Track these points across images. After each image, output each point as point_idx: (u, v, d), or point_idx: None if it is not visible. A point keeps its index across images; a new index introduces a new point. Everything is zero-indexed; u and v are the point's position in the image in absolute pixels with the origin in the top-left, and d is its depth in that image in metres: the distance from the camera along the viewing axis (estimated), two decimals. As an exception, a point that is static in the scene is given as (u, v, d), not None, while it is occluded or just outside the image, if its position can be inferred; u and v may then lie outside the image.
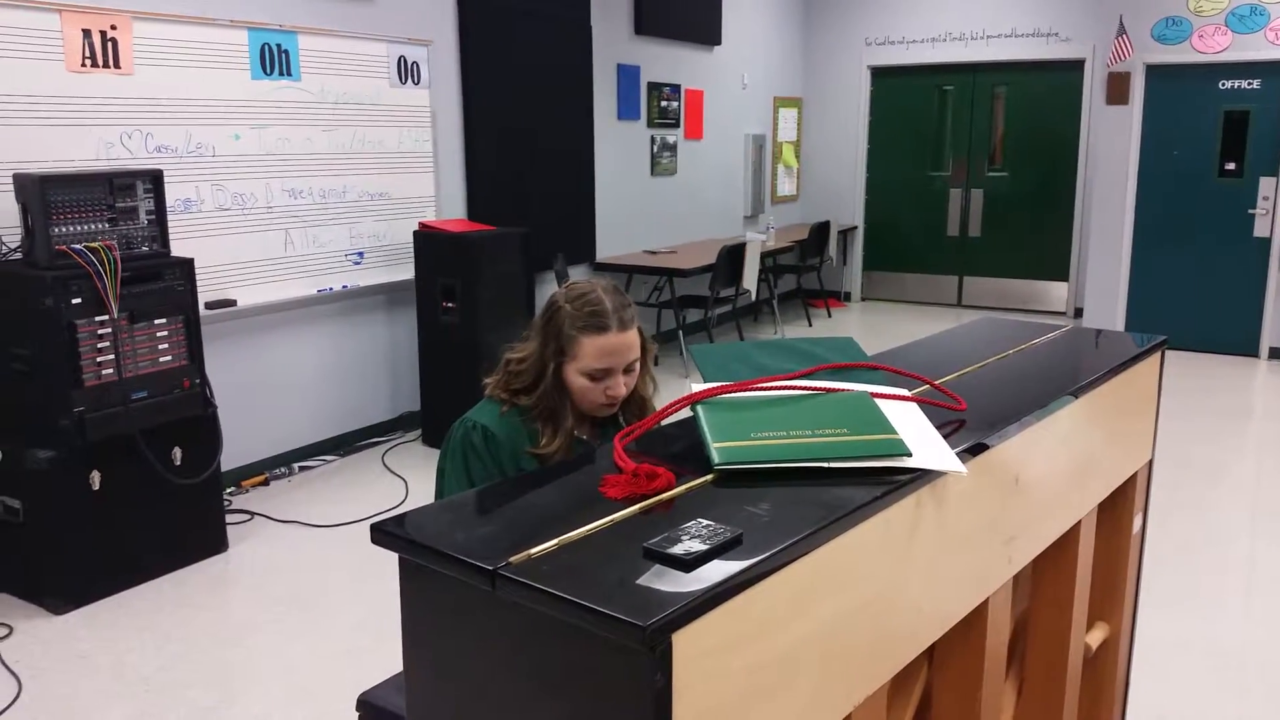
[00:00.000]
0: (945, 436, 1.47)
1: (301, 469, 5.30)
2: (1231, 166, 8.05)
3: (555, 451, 1.96)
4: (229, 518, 4.47)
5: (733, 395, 1.52)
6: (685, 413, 1.54)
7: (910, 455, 1.35)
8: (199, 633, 3.64)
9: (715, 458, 1.34)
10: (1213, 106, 8.04)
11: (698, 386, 1.55)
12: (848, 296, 10.73)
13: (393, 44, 5.56)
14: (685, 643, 0.97)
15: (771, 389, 1.53)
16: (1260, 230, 7.98)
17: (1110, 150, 8.37)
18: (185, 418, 4.10)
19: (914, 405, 1.55)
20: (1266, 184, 7.91)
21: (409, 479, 5.13)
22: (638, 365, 2.01)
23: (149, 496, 4.01)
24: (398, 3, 5.62)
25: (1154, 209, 8.33)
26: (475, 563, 1.06)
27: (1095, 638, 2.25)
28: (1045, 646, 2.00)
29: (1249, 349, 8.07)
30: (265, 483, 5.07)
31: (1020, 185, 9.93)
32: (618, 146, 7.75)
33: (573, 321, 1.95)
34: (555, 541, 1.10)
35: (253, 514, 4.68)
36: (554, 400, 1.98)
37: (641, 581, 1.03)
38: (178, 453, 4.10)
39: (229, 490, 4.82)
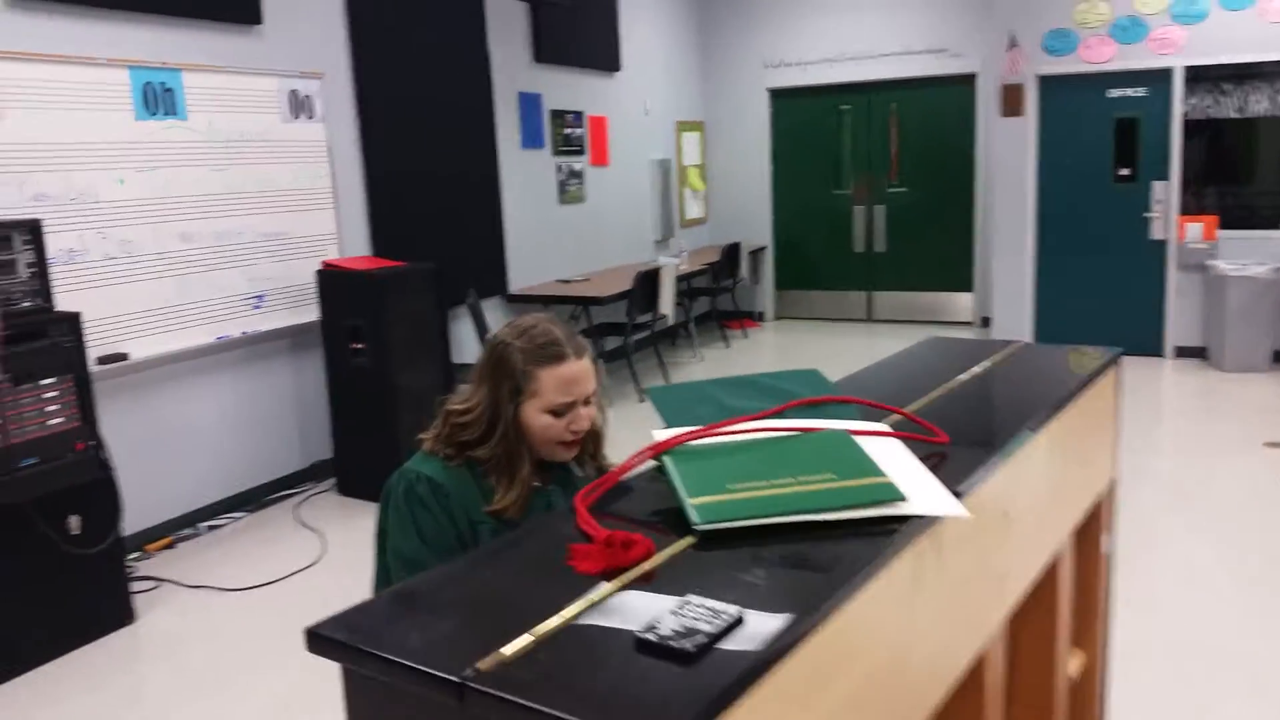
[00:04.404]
0: (934, 473, 1.35)
1: (210, 528, 4.99)
2: (1126, 172, 8.24)
3: (512, 504, 1.80)
4: (134, 586, 4.15)
5: (701, 442, 1.37)
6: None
7: (905, 500, 1.22)
8: (108, 715, 3.35)
9: (695, 517, 1.19)
10: (1104, 115, 8.22)
11: (660, 434, 1.40)
12: (761, 316, 10.72)
13: (283, 78, 5.32)
14: (696, 753, 0.82)
15: (742, 432, 1.39)
16: (1156, 233, 8.17)
17: (1008, 161, 8.50)
18: (80, 483, 3.80)
19: (896, 441, 1.43)
20: (1159, 188, 8.11)
21: (325, 532, 4.87)
22: (594, 396, 1.87)
23: (44, 571, 3.70)
24: (287, 36, 5.39)
25: (1054, 216, 8.48)
26: (437, 673, 0.89)
27: (1074, 666, 2.15)
28: (1031, 682, 1.89)
29: (1154, 349, 8.24)
30: (171, 545, 4.75)
31: (920, 200, 10.04)
32: (524, 176, 7.59)
33: (526, 357, 1.80)
34: (529, 637, 0.94)
35: (160, 580, 4.37)
36: (512, 447, 1.82)
37: (638, 684, 0.87)
38: (74, 521, 3.80)
39: (133, 556, 4.50)
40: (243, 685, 3.53)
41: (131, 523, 4.33)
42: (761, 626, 0.96)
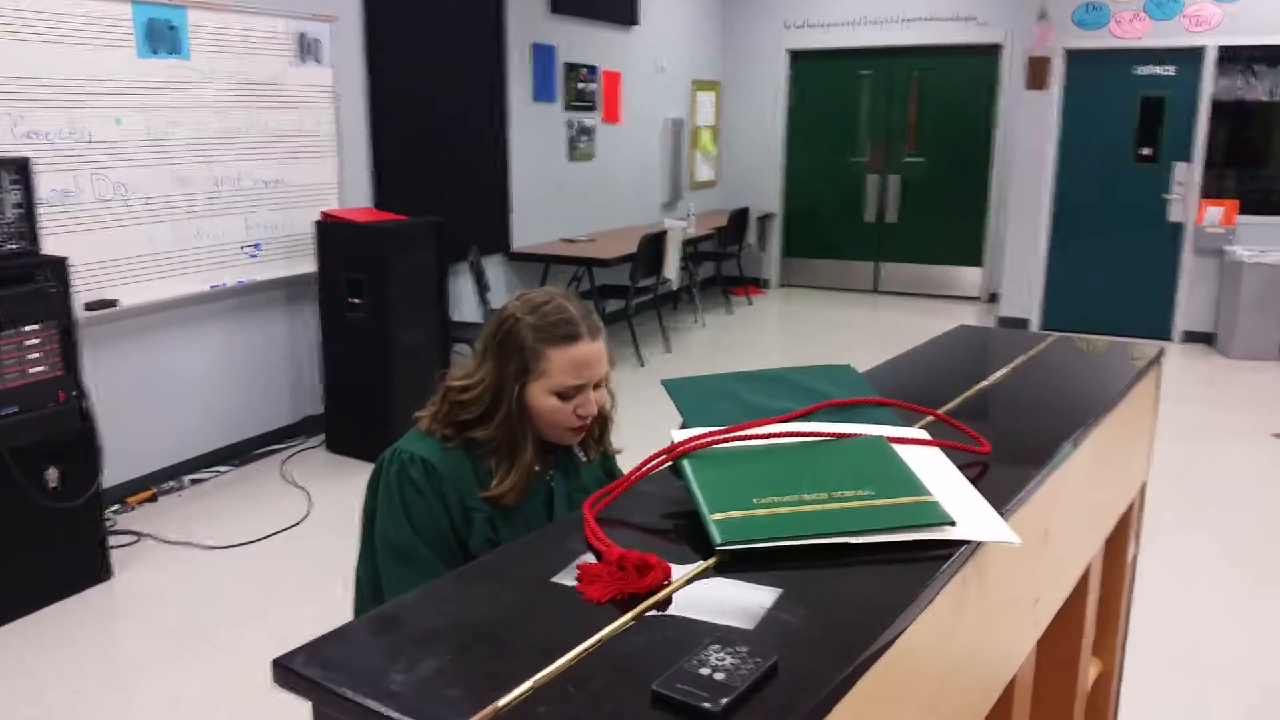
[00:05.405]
0: (975, 487, 1.22)
1: (193, 482, 4.87)
2: (1147, 152, 8.06)
3: (510, 490, 1.67)
4: (113, 540, 4.04)
5: (724, 446, 1.24)
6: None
7: (954, 524, 1.10)
8: (81, 673, 3.25)
9: (716, 536, 1.06)
10: (1130, 92, 8.03)
11: (679, 434, 1.27)
12: (766, 283, 10.57)
13: (292, 20, 5.13)
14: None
15: (769, 436, 1.26)
16: (1174, 215, 8.02)
17: (1028, 135, 8.32)
18: (60, 434, 3.68)
19: (938, 451, 1.30)
20: (1181, 169, 7.94)
21: (311, 490, 4.75)
22: (605, 380, 1.75)
23: (19, 523, 3.59)
24: (296, -26, 5.20)
25: (1071, 193, 8.31)
26: (421, 727, 0.76)
27: (1091, 675, 2.04)
28: (1051, 697, 1.77)
29: (1162, 333, 8.12)
30: (153, 498, 4.63)
31: (936, 170, 9.86)
32: (533, 130, 7.41)
33: (537, 334, 1.67)
34: (529, 683, 0.81)
35: (139, 535, 4.26)
36: (515, 430, 1.69)
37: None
38: (52, 473, 3.68)
39: (113, 508, 4.38)
40: (218, 645, 3.43)
41: (113, 474, 4.21)
42: (799, 676, 0.83)
